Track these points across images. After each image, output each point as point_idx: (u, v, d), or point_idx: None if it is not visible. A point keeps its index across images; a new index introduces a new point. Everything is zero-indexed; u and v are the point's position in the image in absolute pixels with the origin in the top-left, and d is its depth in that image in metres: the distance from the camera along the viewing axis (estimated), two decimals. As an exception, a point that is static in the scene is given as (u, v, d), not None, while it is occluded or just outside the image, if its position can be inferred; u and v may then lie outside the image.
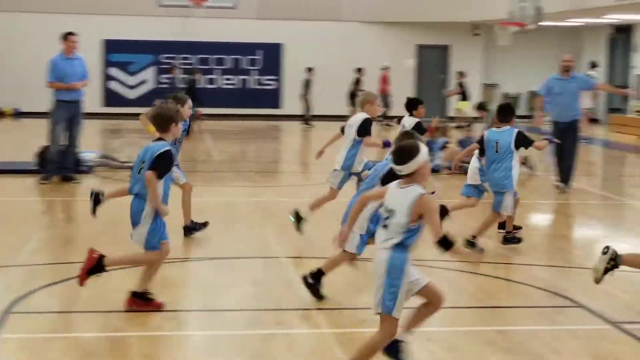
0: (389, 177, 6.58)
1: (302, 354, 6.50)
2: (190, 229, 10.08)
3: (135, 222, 7.06)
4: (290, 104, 30.16)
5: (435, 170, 16.28)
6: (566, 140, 13.93)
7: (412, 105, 11.62)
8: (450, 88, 27.65)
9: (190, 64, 29.55)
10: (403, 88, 29.64)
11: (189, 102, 9.93)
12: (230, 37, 30.13)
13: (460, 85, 27.00)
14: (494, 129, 9.72)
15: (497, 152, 9.45)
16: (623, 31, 30.07)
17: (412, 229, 5.43)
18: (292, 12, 30.28)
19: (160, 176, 6.97)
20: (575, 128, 14.30)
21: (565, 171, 14.37)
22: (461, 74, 27.44)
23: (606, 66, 29.74)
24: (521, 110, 32.62)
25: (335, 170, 10.04)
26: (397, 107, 28.80)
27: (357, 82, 28.43)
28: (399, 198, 5.49)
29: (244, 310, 7.48)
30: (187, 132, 10.70)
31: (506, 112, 9.61)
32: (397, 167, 5.54)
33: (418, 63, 31.14)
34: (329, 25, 30.61)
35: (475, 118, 21.91)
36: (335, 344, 6.65)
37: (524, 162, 16.42)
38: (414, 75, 31.32)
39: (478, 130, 18.05)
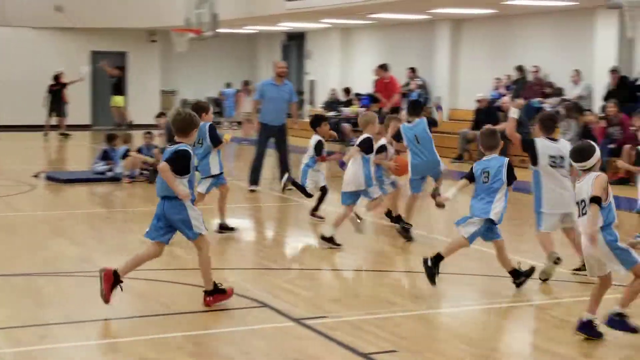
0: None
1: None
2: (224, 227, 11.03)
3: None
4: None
5: (116, 179, 15.98)
6: (280, 144, 15.11)
7: (315, 123, 12.22)
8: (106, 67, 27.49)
9: None
10: (79, 95, 28.85)
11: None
12: None
13: (119, 80, 26.84)
14: (406, 124, 10.70)
15: (418, 142, 10.59)
16: (296, 38, 31.24)
17: (604, 207, 6.58)
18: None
19: (176, 172, 7.29)
20: (285, 131, 15.23)
21: (285, 171, 15.04)
22: (118, 68, 27.34)
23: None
24: (201, 116, 32.94)
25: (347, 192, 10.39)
26: (73, 115, 27.97)
27: (60, 88, 27.14)
28: (582, 188, 6.67)
29: None
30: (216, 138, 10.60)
31: (416, 107, 10.66)
32: (580, 164, 6.74)
33: (94, 70, 30.41)
34: (-5, 30, 29.17)
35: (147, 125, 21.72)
36: (14, 364, 6.26)
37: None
38: (89, 82, 30.55)
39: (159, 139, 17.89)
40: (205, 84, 32.37)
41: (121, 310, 7.60)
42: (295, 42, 31.43)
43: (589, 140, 7.08)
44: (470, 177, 8.30)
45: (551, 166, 8.68)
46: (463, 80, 23.87)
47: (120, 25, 29.33)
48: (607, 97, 18.21)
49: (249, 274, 9.24)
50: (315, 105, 28.98)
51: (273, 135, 15.10)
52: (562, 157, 8.67)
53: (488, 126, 10.37)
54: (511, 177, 8.21)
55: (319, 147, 12.00)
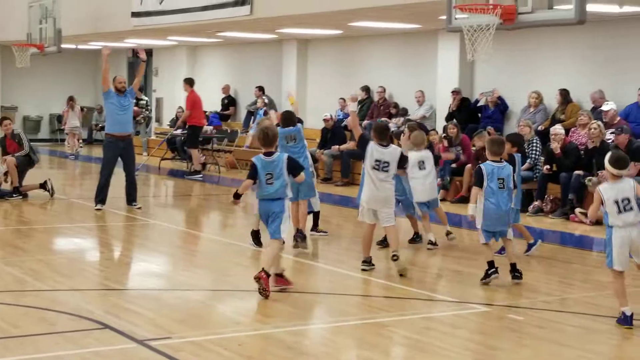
0: None
1: None
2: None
3: (276, 217, 8.77)
4: None
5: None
6: (127, 160, 14.90)
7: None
8: None
9: None
10: None
11: None
12: None
13: None
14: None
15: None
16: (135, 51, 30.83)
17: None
18: None
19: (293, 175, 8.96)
20: (132, 145, 15.19)
21: (132, 189, 15.05)
22: None
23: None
24: (43, 133, 32.04)
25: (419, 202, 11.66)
26: None
27: None
28: (626, 188, 7.89)
29: None
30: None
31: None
32: (622, 172, 7.93)
33: None
34: None
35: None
36: None
37: (43, 185, 16.12)
38: None
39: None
40: (48, 100, 31.49)
41: (-47, 335, 7.24)
42: (137, 49, 31.00)
43: (622, 152, 8.43)
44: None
45: (374, 168, 9.72)
46: (310, 99, 24.05)
47: (-43, 38, 28.19)
48: (449, 117, 18.71)
49: (91, 295, 8.97)
50: (162, 123, 28.60)
51: (120, 151, 14.78)
52: (387, 162, 9.68)
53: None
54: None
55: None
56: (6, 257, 10.66)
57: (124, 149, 14.83)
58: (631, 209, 7.85)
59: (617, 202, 7.85)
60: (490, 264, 9.48)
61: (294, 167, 8.96)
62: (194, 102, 21.05)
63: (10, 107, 30.90)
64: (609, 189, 7.94)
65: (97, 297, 8.87)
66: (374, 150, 9.76)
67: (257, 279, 8.52)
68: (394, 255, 9.78)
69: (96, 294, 9.07)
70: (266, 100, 24.16)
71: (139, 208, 14.90)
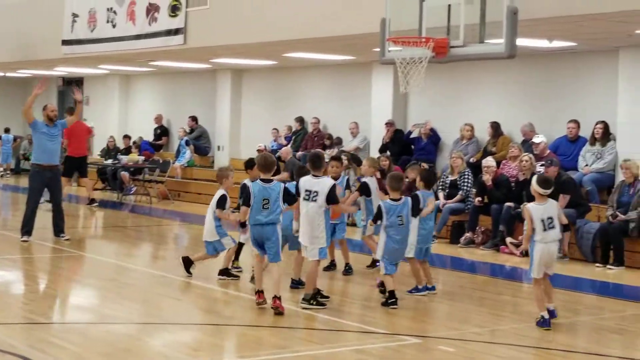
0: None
1: None
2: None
3: (272, 242, 9.41)
4: None
5: None
6: (54, 186, 14.68)
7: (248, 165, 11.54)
8: None
9: None
10: None
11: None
12: None
13: None
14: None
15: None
16: (73, 83, 30.49)
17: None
18: None
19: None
20: (59, 176, 14.96)
21: (59, 220, 14.77)
22: None
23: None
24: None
25: None
26: None
27: None
28: (550, 209, 9.05)
29: None
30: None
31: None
32: (547, 191, 9.04)
33: None
34: None
35: None
36: None
37: None
38: None
39: None
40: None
41: None
42: (72, 87, 30.67)
43: (548, 176, 9.67)
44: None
45: (304, 199, 9.67)
46: (244, 129, 23.99)
47: None
48: (383, 149, 18.78)
49: (15, 329, 8.71)
50: (92, 152, 28.24)
51: (47, 180, 14.52)
52: (316, 192, 9.61)
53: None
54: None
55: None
56: None
57: (50, 179, 14.54)
58: (553, 227, 9.00)
59: (542, 221, 8.96)
60: (392, 293, 9.94)
61: (289, 196, 9.50)
62: (71, 132, 20.50)
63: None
64: (537, 209, 9.05)
65: (21, 331, 8.62)
66: (306, 181, 9.78)
67: (276, 308, 9.25)
68: (303, 301, 9.79)
69: (20, 327, 8.82)
70: (187, 130, 24.10)
71: (67, 240, 14.61)
